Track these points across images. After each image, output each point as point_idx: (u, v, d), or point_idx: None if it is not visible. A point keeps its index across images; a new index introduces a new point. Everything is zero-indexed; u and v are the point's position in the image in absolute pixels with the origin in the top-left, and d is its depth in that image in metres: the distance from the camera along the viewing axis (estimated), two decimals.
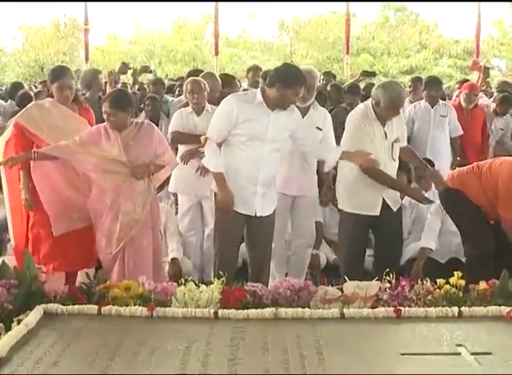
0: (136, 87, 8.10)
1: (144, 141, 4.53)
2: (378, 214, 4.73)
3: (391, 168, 4.79)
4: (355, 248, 4.85)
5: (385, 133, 4.68)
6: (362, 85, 7.97)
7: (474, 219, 4.73)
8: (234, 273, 4.45)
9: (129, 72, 8.71)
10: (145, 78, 10.27)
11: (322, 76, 8.27)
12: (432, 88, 7.02)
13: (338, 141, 4.96)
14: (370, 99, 4.77)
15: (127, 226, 4.51)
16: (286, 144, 4.66)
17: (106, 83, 7.15)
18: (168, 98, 7.46)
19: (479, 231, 4.71)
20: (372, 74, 9.35)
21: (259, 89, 4.53)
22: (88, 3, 14.63)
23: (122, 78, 8.33)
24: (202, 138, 4.57)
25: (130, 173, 4.48)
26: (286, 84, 4.31)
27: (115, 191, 4.51)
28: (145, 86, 8.26)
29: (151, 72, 10.28)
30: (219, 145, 4.44)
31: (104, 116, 4.52)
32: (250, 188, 4.45)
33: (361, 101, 7.42)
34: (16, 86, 8.87)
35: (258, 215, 4.51)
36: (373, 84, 7.89)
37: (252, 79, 7.67)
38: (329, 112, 6.40)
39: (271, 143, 4.43)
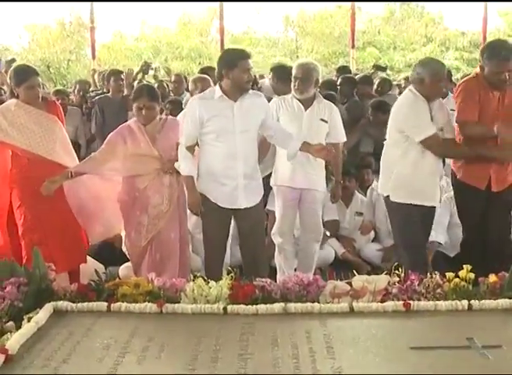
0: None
1: (169, 134, 4.62)
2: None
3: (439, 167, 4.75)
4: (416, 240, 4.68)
5: (432, 117, 4.56)
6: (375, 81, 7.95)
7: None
8: (221, 268, 4.48)
9: (151, 72, 8.73)
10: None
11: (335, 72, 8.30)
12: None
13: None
14: (410, 87, 4.67)
15: (156, 218, 4.58)
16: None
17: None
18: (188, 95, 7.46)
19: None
20: (383, 68, 9.32)
21: (217, 84, 4.51)
22: (94, 2, 14.61)
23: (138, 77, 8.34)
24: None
25: (160, 167, 4.56)
26: (230, 64, 4.34)
27: (144, 184, 4.57)
28: (165, 84, 8.26)
29: (152, 69, 10.28)
30: (193, 147, 4.46)
31: (138, 111, 4.57)
32: (231, 183, 4.46)
33: (374, 92, 7.46)
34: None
35: (243, 207, 4.52)
36: (386, 79, 7.90)
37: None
38: (342, 105, 6.42)
39: (242, 134, 4.41)
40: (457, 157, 4.67)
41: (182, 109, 6.62)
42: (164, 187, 4.61)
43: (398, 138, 4.57)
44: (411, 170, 4.54)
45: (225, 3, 13.70)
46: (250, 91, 4.52)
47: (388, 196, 4.65)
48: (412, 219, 4.59)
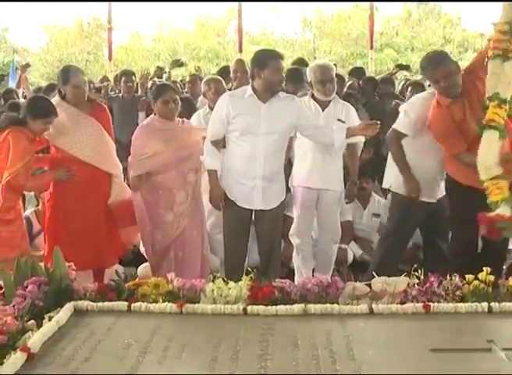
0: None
1: (191, 136, 4.68)
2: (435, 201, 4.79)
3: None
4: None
5: None
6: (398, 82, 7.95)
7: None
8: (241, 267, 4.50)
9: (165, 76, 8.81)
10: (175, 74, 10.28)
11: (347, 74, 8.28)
12: None
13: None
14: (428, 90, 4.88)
15: (181, 216, 4.62)
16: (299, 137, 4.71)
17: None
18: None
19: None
20: (406, 67, 9.26)
21: (250, 83, 4.55)
22: (112, 2, 14.70)
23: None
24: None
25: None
26: (261, 65, 4.36)
27: (167, 182, 4.60)
28: (178, 85, 8.32)
29: (182, 64, 10.29)
30: (219, 143, 4.46)
31: (165, 105, 4.64)
32: (249, 183, 4.49)
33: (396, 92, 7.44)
34: (50, 88, 8.90)
35: (259, 208, 4.54)
36: (409, 80, 7.86)
37: None
38: (363, 105, 6.42)
39: (267, 136, 4.43)
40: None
41: (194, 109, 6.68)
42: (188, 184, 4.64)
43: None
44: (411, 163, 4.73)
45: (243, 4, 13.73)
46: (282, 94, 4.53)
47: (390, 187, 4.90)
48: (408, 212, 4.76)
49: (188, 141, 4.67)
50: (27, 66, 9.18)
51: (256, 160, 4.43)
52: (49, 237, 4.89)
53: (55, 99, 4.91)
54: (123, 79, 7.47)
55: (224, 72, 6.81)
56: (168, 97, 4.61)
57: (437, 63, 4.40)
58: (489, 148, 4.05)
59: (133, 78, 7.63)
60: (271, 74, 4.35)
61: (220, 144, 4.50)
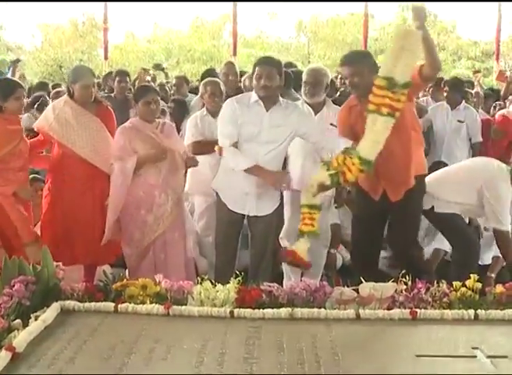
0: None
1: (170, 137, 4.70)
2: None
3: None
4: None
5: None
6: None
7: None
8: (232, 268, 4.50)
9: (148, 78, 8.85)
10: (159, 77, 10.38)
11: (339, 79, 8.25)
12: (453, 90, 6.96)
13: None
14: None
15: (160, 218, 4.61)
16: (297, 144, 4.66)
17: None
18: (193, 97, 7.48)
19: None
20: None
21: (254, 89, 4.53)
22: (108, 3, 14.71)
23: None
24: (216, 148, 4.62)
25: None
26: (253, 71, 4.43)
27: (149, 183, 4.61)
28: (166, 87, 8.33)
29: (163, 69, 10.41)
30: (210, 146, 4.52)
31: (146, 106, 4.65)
32: (243, 188, 4.46)
33: None
34: (40, 87, 8.88)
35: (252, 214, 4.53)
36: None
37: None
38: None
39: (266, 144, 4.41)
40: None
41: (186, 110, 6.66)
42: (169, 186, 4.65)
43: None
44: None
45: (238, 7, 13.75)
46: (284, 102, 4.53)
47: None
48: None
49: (167, 144, 4.67)
50: (17, 61, 9.21)
51: None
52: (45, 233, 4.91)
53: (62, 97, 5.00)
54: (117, 79, 7.46)
55: (210, 75, 6.77)
56: (150, 98, 4.64)
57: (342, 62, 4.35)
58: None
59: (127, 79, 7.62)
60: (255, 79, 4.35)
61: (208, 147, 4.48)
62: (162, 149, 4.62)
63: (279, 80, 4.42)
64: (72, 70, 5.06)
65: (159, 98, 4.77)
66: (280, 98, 4.53)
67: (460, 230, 4.91)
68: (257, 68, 4.38)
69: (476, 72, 11.37)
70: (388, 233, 4.66)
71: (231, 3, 14.09)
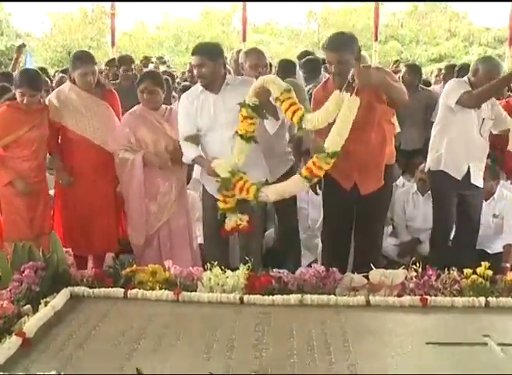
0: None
1: (174, 124, 4.59)
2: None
3: (479, 143, 4.84)
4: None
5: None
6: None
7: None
8: (225, 259, 4.37)
9: (151, 65, 8.83)
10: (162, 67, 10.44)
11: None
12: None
13: None
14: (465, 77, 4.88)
15: (164, 207, 4.62)
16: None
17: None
18: None
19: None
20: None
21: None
22: None
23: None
24: None
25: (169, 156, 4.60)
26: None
27: (153, 172, 4.59)
28: (174, 74, 8.31)
29: (164, 62, 10.46)
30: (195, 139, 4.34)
31: (143, 95, 4.62)
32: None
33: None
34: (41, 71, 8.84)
35: None
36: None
37: None
38: None
39: (227, 126, 4.19)
40: (489, 94, 4.75)
41: (170, 88, 6.60)
42: (173, 175, 4.64)
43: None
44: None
45: None
46: (237, 79, 4.36)
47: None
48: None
49: (171, 133, 4.63)
50: (23, 46, 9.16)
51: (224, 154, 4.23)
52: (59, 223, 4.92)
53: (66, 84, 4.92)
54: (122, 67, 7.39)
55: None
56: (144, 87, 4.60)
57: (332, 48, 4.07)
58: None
59: (132, 65, 7.54)
60: (195, 67, 4.22)
61: (195, 140, 4.36)
62: (166, 159, 4.60)
63: (213, 66, 4.18)
64: (72, 56, 4.93)
65: (157, 88, 4.64)
66: (230, 79, 4.31)
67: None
68: (193, 57, 4.28)
69: None
70: (355, 224, 4.54)
71: None
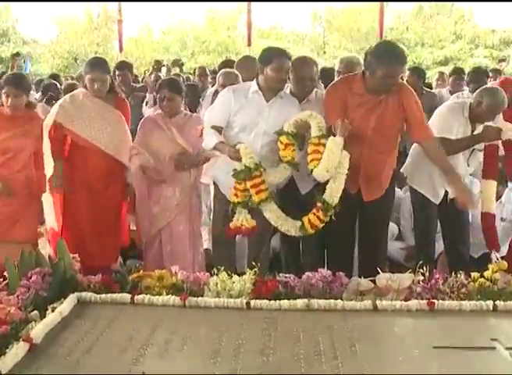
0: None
1: (192, 131, 4.63)
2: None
3: (462, 172, 4.71)
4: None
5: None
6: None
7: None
8: (232, 260, 4.52)
9: (163, 69, 8.86)
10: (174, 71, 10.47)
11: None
12: (476, 80, 6.75)
13: None
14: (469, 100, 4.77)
15: (165, 210, 4.72)
16: None
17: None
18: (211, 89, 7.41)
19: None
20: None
21: (255, 79, 4.44)
22: None
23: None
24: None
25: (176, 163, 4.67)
26: (265, 61, 4.27)
27: (161, 176, 4.66)
28: (182, 77, 8.32)
29: (182, 64, 10.50)
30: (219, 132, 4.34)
31: (160, 102, 4.70)
32: None
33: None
34: (53, 78, 8.86)
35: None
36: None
37: None
38: None
39: (264, 136, 4.30)
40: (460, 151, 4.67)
41: (198, 96, 6.61)
42: (177, 180, 4.68)
43: None
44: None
45: None
46: (285, 94, 4.43)
47: None
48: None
49: (180, 142, 4.67)
50: (17, 54, 9.26)
51: None
52: (66, 234, 4.76)
53: (80, 89, 4.90)
54: (117, 72, 7.24)
55: (227, 65, 6.69)
56: (163, 95, 4.67)
57: (382, 61, 4.07)
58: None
59: (126, 70, 7.43)
60: (273, 71, 4.25)
61: (219, 132, 4.37)
62: (160, 169, 4.68)
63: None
64: (86, 62, 4.95)
65: (175, 95, 4.69)
66: (283, 93, 4.42)
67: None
68: (277, 60, 4.28)
69: (501, 60, 11.32)
70: (359, 228, 4.58)
71: None
